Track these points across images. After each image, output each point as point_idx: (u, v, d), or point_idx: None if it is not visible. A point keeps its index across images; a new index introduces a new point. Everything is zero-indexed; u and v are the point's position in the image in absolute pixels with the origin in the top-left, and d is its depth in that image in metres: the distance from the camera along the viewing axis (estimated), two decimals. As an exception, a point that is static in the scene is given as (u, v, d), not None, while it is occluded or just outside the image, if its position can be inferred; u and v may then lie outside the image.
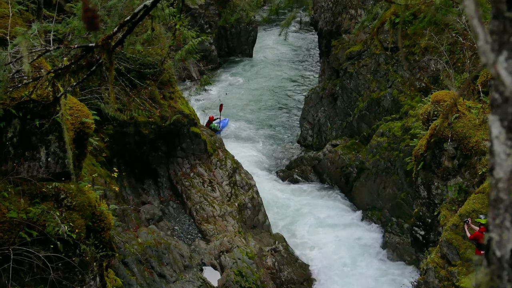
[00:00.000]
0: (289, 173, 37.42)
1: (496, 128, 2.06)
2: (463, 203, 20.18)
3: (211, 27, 50.38)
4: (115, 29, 6.03)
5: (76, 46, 6.08)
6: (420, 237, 23.81)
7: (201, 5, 48.85)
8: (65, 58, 6.96)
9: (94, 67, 6.15)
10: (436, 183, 22.46)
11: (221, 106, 40.47)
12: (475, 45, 24.40)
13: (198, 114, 32.20)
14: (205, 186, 28.63)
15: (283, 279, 27.56)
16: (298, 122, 42.04)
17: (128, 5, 7.20)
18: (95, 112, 17.27)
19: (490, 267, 2.13)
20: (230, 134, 41.23)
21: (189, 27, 30.87)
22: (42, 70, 7.67)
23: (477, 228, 17.66)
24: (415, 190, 24.04)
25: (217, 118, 40.08)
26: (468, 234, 17.93)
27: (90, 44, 5.87)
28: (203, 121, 35.36)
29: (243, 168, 31.30)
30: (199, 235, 27.17)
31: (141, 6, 5.91)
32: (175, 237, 26.35)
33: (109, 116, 23.90)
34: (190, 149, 29.02)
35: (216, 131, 41.67)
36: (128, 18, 5.91)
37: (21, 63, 6.24)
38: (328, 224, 32.28)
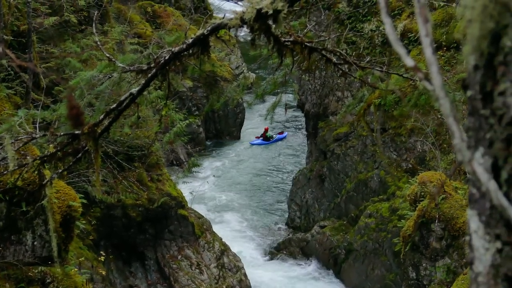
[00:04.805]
0: (278, 254, 37.18)
1: (474, 222, 2.08)
2: (451, 284, 20.08)
3: (199, 110, 50.59)
4: (101, 116, 6.07)
5: (62, 134, 6.11)
6: (410, 320, 23.62)
7: (189, 88, 49.18)
8: (51, 145, 6.98)
9: (80, 154, 6.17)
10: (424, 264, 22.38)
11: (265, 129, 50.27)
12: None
13: (186, 195, 32.07)
14: (193, 268, 28.40)
15: None
16: (286, 204, 41.95)
17: (115, 90, 7.26)
18: (82, 196, 17.28)
19: None
20: (218, 216, 41.04)
21: (177, 109, 31.04)
22: (28, 157, 7.71)
23: None
24: (404, 271, 23.91)
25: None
26: None
27: (76, 132, 5.90)
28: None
29: (231, 250, 31.11)
30: (186, 319, 26.88)
31: (127, 94, 5.97)
32: (162, 321, 26.04)
33: (96, 199, 23.88)
34: (178, 231, 28.88)
35: (272, 138, 50.62)
36: (114, 106, 5.96)
37: (6, 151, 6.28)
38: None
